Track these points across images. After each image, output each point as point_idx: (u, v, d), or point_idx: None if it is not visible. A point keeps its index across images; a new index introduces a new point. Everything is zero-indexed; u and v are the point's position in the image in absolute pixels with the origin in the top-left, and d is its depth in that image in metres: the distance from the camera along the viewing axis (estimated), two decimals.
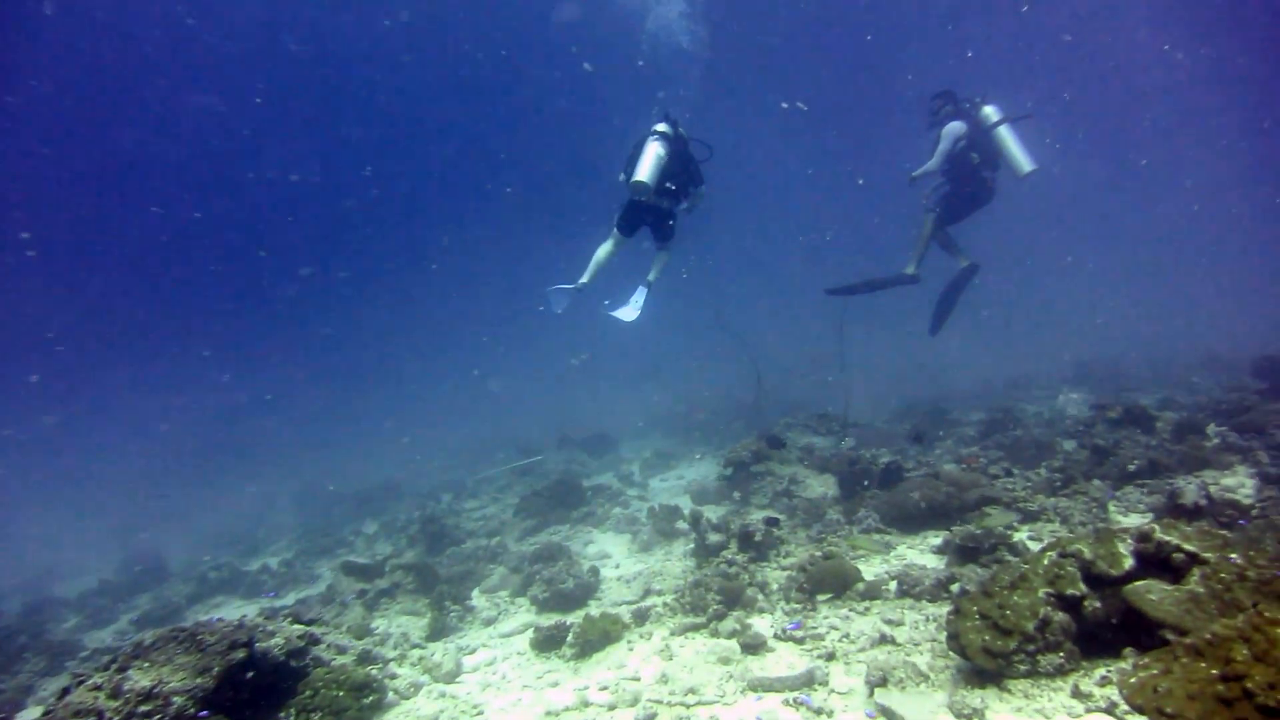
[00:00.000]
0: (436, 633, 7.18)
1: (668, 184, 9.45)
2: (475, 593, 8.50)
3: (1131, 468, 7.78)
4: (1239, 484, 7.39)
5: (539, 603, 7.46)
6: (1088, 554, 4.05)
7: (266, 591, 11.15)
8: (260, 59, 31.40)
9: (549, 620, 6.77)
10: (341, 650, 6.11)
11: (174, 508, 24.23)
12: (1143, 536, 4.02)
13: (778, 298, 53.69)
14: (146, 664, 4.68)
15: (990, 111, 9.94)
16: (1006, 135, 9.79)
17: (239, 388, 45.88)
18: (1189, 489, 5.86)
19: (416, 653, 6.68)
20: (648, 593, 7.25)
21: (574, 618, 6.59)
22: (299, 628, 5.72)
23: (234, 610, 10.36)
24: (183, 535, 19.34)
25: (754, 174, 43.04)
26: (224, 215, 38.53)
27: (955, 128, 10.01)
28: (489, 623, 7.44)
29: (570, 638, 6.10)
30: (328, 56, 32.59)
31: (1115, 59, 36.39)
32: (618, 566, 8.54)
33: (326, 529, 15.05)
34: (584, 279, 10.03)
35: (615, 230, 9.98)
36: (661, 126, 9.46)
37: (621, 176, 9.78)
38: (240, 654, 4.85)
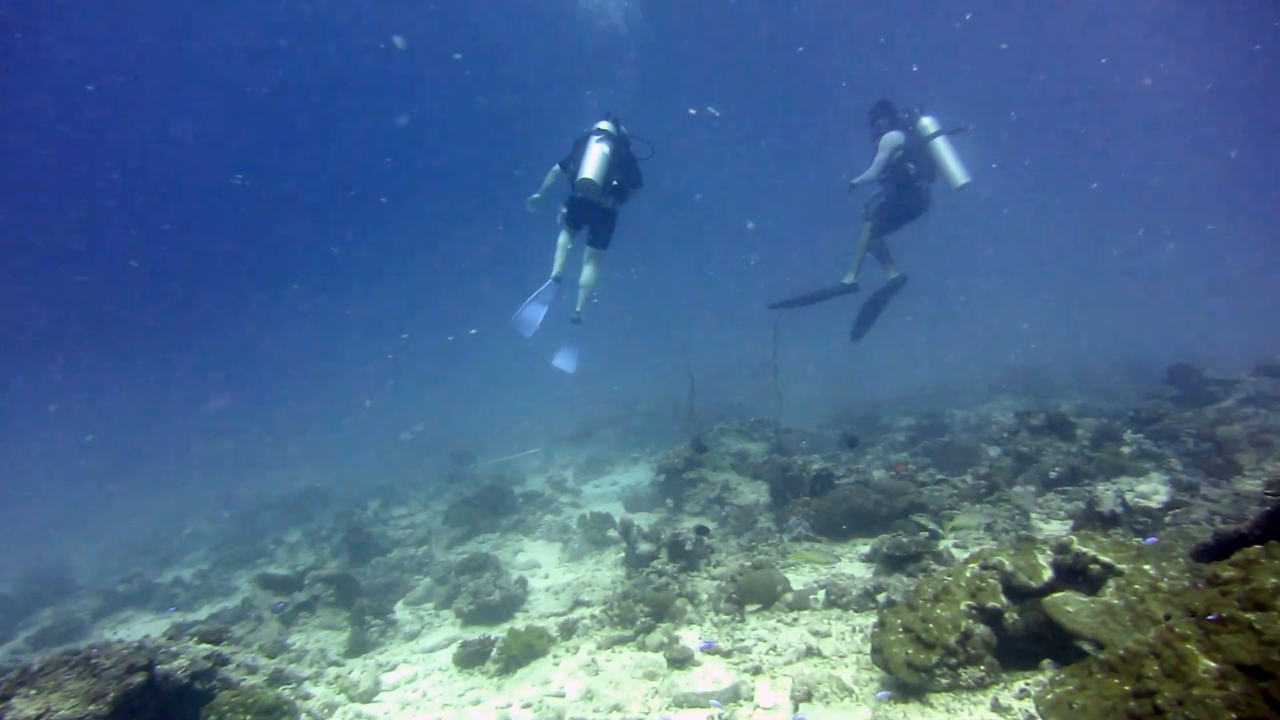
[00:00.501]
0: (356, 648, 6.95)
1: (613, 182, 9.39)
2: (399, 605, 8.28)
3: (1053, 474, 7.99)
4: (1153, 490, 7.62)
5: (464, 616, 7.28)
6: (1009, 566, 4.09)
7: (172, 606, 10.65)
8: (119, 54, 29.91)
9: (474, 634, 6.64)
10: (252, 670, 5.84)
11: (86, 516, 23.15)
12: (1061, 548, 4.08)
13: (716, 303, 54.12)
14: (33, 691, 4.38)
15: (928, 123, 10.03)
16: (943, 148, 9.87)
17: (158, 392, 44.15)
18: (1106, 497, 6.01)
19: (334, 670, 6.45)
20: (576, 604, 7.14)
21: (499, 631, 6.46)
22: (205, 647, 5.46)
23: (143, 626, 9.89)
24: (94, 545, 18.45)
25: (693, 177, 43.20)
26: (143, 212, 37.01)
27: (893, 138, 10.12)
28: (412, 637, 7.23)
29: (494, 653, 5.96)
30: (206, 52, 31.23)
31: (1055, 72, 37.74)
32: (547, 577, 8.40)
33: (247, 538, 14.52)
34: (555, 270, 9.89)
35: (561, 226, 9.89)
36: (605, 125, 9.38)
37: (555, 169, 9.77)
38: (139, 678, 4.59)
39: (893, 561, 6.15)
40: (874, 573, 6.33)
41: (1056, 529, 6.92)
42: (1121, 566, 3.86)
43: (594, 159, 9.11)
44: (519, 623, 6.88)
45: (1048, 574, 4.02)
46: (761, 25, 34.88)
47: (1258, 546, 2.90)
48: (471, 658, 6.03)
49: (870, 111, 10.72)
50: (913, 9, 33.41)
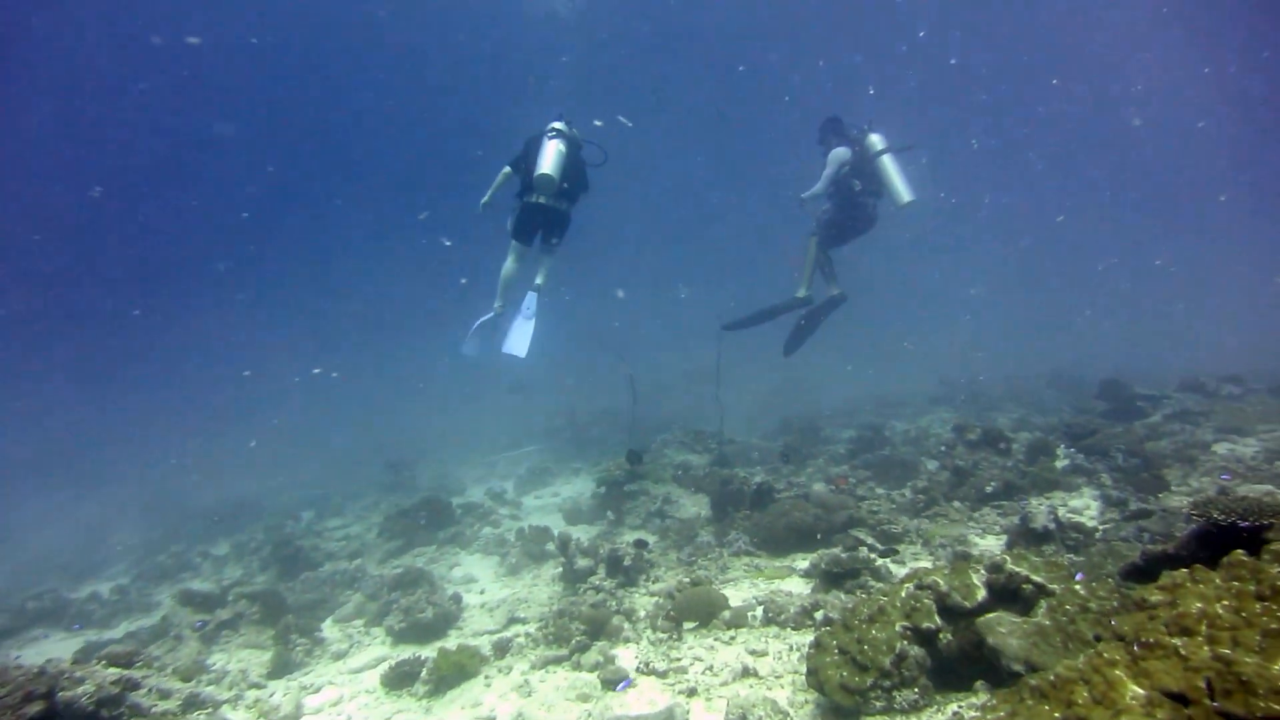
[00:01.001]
0: (279, 669, 6.68)
1: (564, 183, 9.28)
2: (328, 623, 8.01)
3: (989, 489, 8.10)
4: (1085, 505, 7.80)
5: (395, 634, 7.07)
6: (943, 585, 4.09)
7: (76, 624, 10.14)
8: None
9: (404, 653, 6.44)
10: (165, 695, 5.56)
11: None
12: (995, 567, 4.10)
13: (662, 312, 54.21)
14: None
15: (875, 140, 10.05)
16: (889, 165, 9.87)
17: (82, 396, 42.36)
18: (1039, 514, 6.10)
19: (254, 693, 6.18)
20: (511, 621, 7.00)
21: (431, 650, 6.28)
22: (114, 671, 5.17)
23: (53, 646, 9.40)
24: (6, 558, 17.57)
25: (639, 183, 43.26)
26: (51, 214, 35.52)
27: (840, 154, 10.17)
28: (339, 656, 6.99)
29: (424, 673, 5.78)
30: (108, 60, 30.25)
31: (999, 91, 38.86)
32: (483, 592, 8.22)
33: (172, 549, 13.96)
34: (497, 304, 9.75)
35: (512, 241, 9.70)
36: (559, 124, 9.28)
37: (506, 170, 9.58)
38: (37, 707, 4.33)
39: (831, 578, 6.15)
40: (812, 589, 6.32)
41: (992, 544, 7.02)
42: (1053, 587, 3.89)
43: (551, 156, 8.99)
44: (451, 641, 6.71)
45: (981, 594, 4.03)
46: (706, 39, 35.26)
47: (1183, 570, 2.92)
48: (400, 679, 5.85)
49: (820, 128, 10.76)
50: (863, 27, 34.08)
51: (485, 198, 9.78)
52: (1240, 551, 2.87)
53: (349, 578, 9.48)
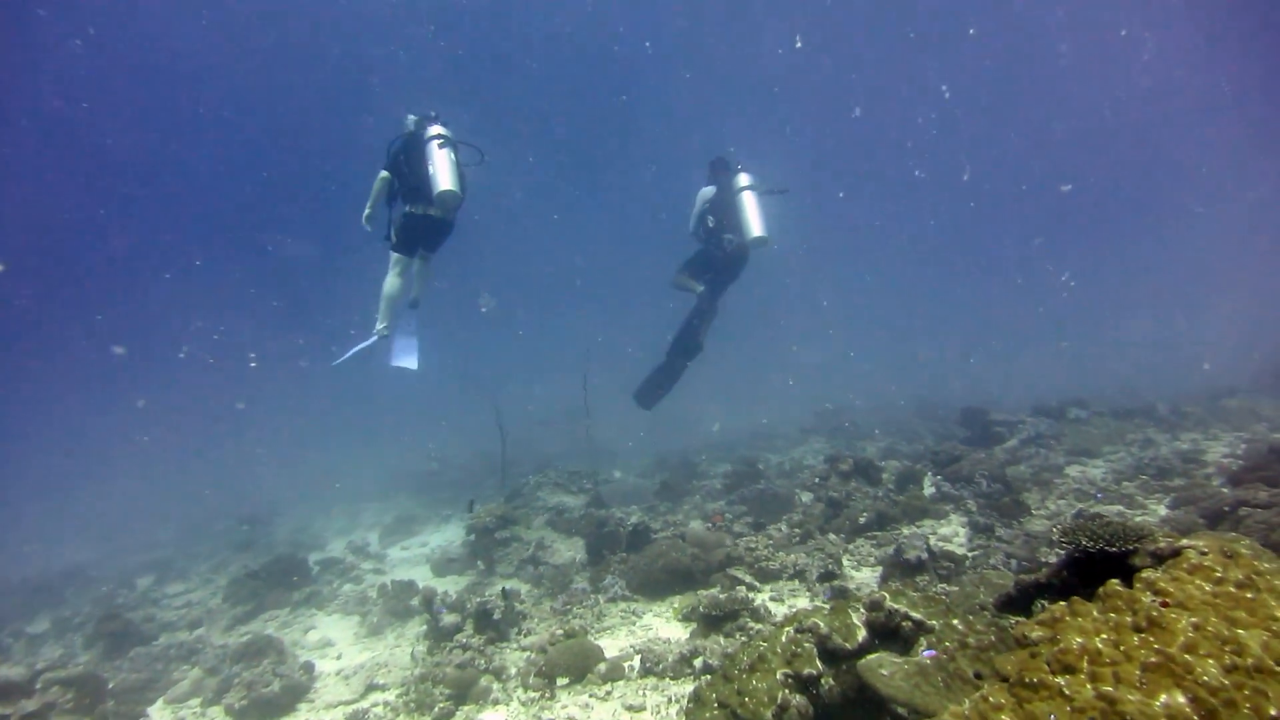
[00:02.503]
0: None
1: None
2: (158, 705, 7.18)
3: (862, 520, 8.19)
4: (953, 532, 7.98)
5: (235, 713, 6.38)
6: (824, 627, 3.96)
7: None
8: None
9: None
10: None
11: None
12: (874, 605, 4.01)
13: (530, 347, 53.84)
14: None
15: (741, 179, 9.99)
16: (746, 201, 9.79)
17: None
18: (911, 545, 6.14)
19: None
20: (369, 689, 6.46)
21: None
22: None
23: None
24: None
25: (508, 217, 42.96)
26: None
27: (704, 193, 10.14)
28: None
29: None
30: None
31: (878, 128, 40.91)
32: (339, 657, 7.59)
33: None
34: (380, 326, 8.88)
35: (397, 256, 8.91)
36: (439, 129, 8.42)
37: (384, 175, 8.75)
38: None
39: (710, 621, 5.97)
40: (691, 634, 6.13)
41: (867, 576, 7.04)
42: (932, 623, 3.83)
43: (447, 168, 8.18)
44: (301, 716, 6.11)
45: (862, 634, 3.92)
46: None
47: (1062, 604, 2.88)
48: None
49: (708, 166, 10.75)
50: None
51: (368, 210, 8.93)
52: (1115, 581, 2.85)
53: (187, 651, 8.57)
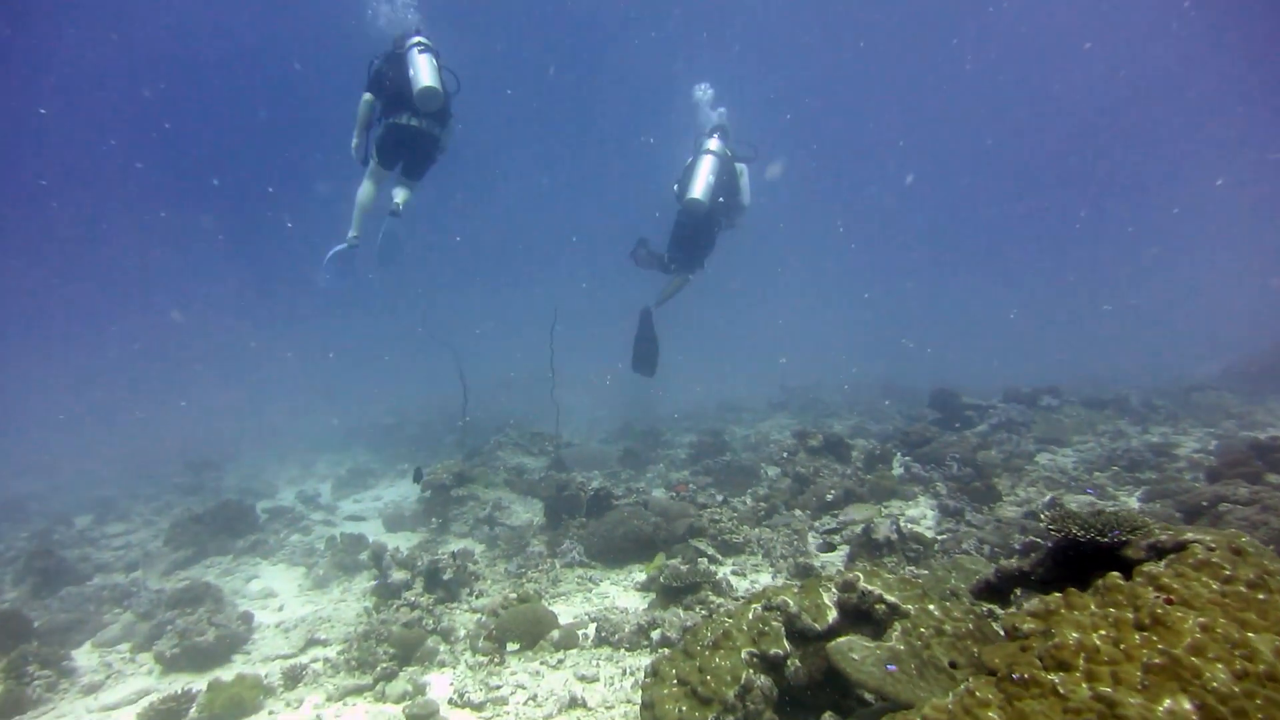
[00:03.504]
0: (7, 709, 5.57)
1: (447, 99, 8.52)
2: (85, 648, 6.86)
3: (829, 497, 8.04)
4: (921, 515, 7.87)
5: (165, 661, 6.07)
6: (793, 606, 3.77)
7: None
8: None
9: (174, 685, 5.52)
10: None
11: None
12: (847, 586, 3.82)
13: (496, 304, 53.25)
14: None
15: (708, 143, 9.86)
16: (701, 164, 9.64)
17: None
18: (881, 526, 5.98)
19: None
20: (310, 644, 6.19)
21: (209, 679, 5.38)
22: None
23: None
24: None
25: (479, 174, 42.15)
26: None
27: (688, 160, 10.01)
28: (91, 690, 5.92)
29: (194, 710, 4.93)
30: None
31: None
32: (281, 609, 7.29)
33: None
34: (352, 233, 8.67)
35: (375, 163, 8.67)
36: (419, 38, 8.32)
37: (366, 98, 8.55)
38: None
39: (670, 592, 5.78)
40: (649, 605, 5.93)
41: (832, 556, 6.90)
42: (907, 607, 3.64)
43: (427, 67, 8.09)
44: (234, 669, 5.83)
45: (833, 615, 3.73)
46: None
47: (1057, 595, 2.69)
48: (162, 717, 4.96)
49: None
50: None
51: (355, 139, 8.73)
52: (1116, 574, 2.66)
53: (121, 593, 8.21)
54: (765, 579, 6.55)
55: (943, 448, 9.20)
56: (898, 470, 9.40)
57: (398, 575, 6.50)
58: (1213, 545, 2.71)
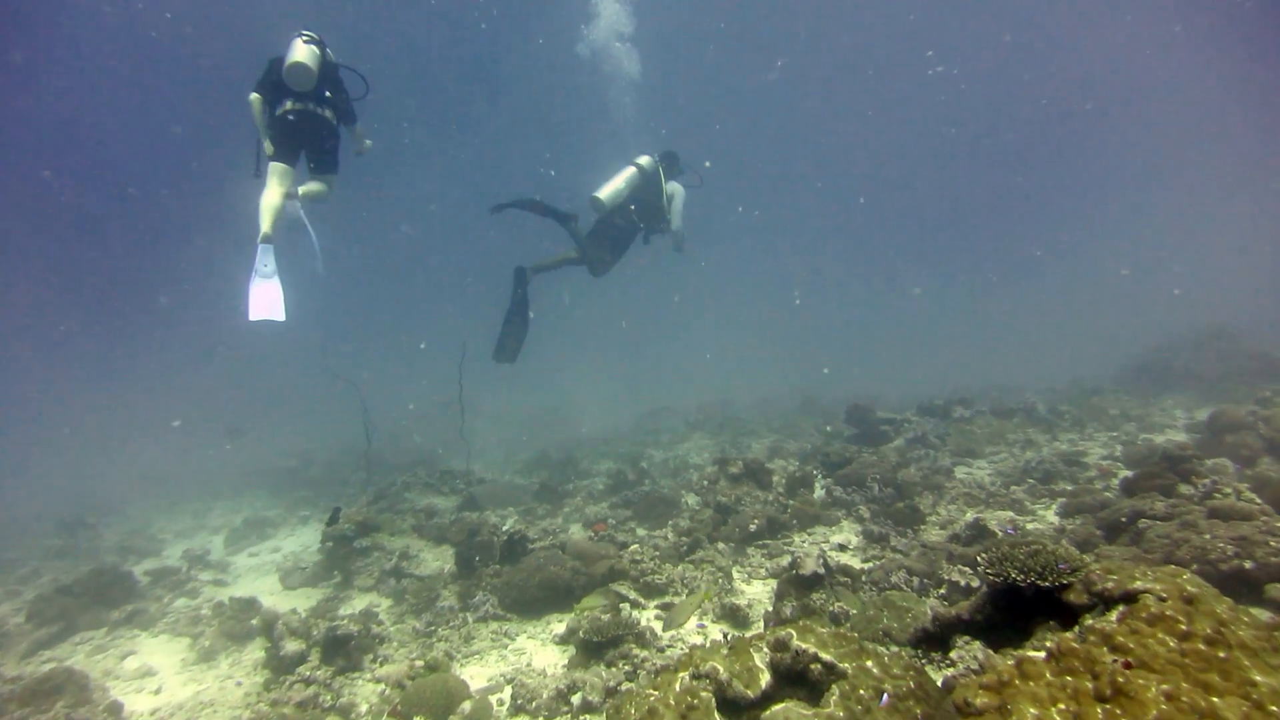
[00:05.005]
0: None
1: (325, 90, 8.18)
2: None
3: (753, 527, 7.85)
4: (847, 540, 7.75)
5: None
6: (723, 673, 3.49)
7: None
8: None
9: None
10: None
11: None
12: (779, 645, 3.56)
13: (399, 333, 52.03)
14: None
15: (638, 157, 10.07)
16: (618, 170, 9.86)
17: None
18: (808, 560, 5.79)
19: None
20: None
21: None
22: None
23: None
24: None
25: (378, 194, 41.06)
26: None
27: None
28: None
29: None
30: None
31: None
32: (158, 691, 6.60)
33: None
34: (265, 229, 7.81)
35: (271, 164, 8.16)
36: (307, 34, 8.16)
37: (254, 97, 8.21)
38: None
39: (590, 647, 5.44)
40: (569, 662, 5.58)
41: (759, 590, 6.69)
42: (844, 665, 3.40)
43: (301, 50, 7.90)
44: None
45: (765, 679, 3.47)
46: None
47: (1010, 664, 2.50)
48: None
49: None
50: None
51: (260, 135, 8.33)
52: (1070, 636, 2.48)
53: None
54: (691, 621, 6.28)
55: (863, 468, 9.14)
56: (819, 493, 9.31)
57: (292, 646, 5.96)
58: (1164, 595, 2.55)
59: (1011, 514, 7.70)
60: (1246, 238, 43.75)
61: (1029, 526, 7.22)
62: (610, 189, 9.61)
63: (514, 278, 9.77)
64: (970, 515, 7.73)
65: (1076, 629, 2.86)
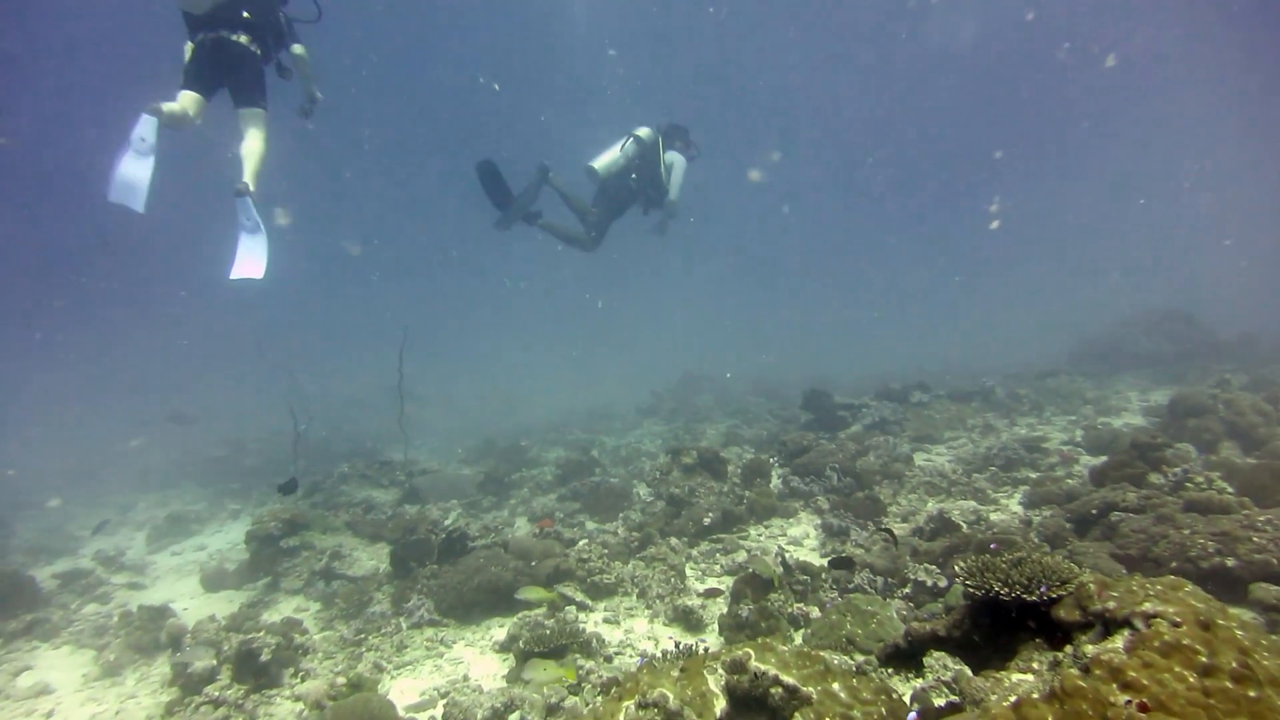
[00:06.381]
0: None
1: (244, 10, 7.22)
2: None
3: (707, 521, 7.52)
4: (804, 534, 7.47)
5: None
6: (673, 701, 3.12)
7: None
8: None
9: None
10: None
11: None
12: (736, 666, 3.21)
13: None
14: None
15: (638, 129, 10.11)
16: (616, 141, 9.96)
17: None
18: (766, 559, 5.47)
19: None
20: None
21: None
22: None
23: None
24: None
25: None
26: None
27: None
28: None
29: None
30: None
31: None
32: (51, 714, 6.02)
33: None
34: (155, 108, 6.82)
35: (181, 91, 7.14)
36: None
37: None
38: None
39: (532, 658, 5.05)
40: (509, 674, 5.19)
41: (714, 586, 6.36)
42: (808, 690, 3.07)
43: None
44: None
45: (721, 705, 3.12)
46: None
47: (1006, 708, 2.15)
48: None
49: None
50: None
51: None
52: (1075, 673, 2.13)
53: None
54: (640, 624, 5.93)
55: (821, 457, 8.87)
56: (776, 484, 9.01)
57: (201, 662, 5.46)
58: (1178, 620, 2.23)
59: (975, 504, 7.48)
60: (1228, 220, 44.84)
61: (993, 516, 6.99)
62: (606, 159, 9.75)
63: (536, 172, 9.91)
64: (933, 506, 7.50)
65: (1070, 651, 2.55)
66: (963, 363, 22.23)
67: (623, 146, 9.83)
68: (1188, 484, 5.71)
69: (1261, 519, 4.59)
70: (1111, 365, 16.45)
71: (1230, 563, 4.34)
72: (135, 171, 6.77)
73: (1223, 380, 9.98)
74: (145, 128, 6.78)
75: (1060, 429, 10.76)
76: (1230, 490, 5.58)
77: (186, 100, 7.14)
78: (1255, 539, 4.40)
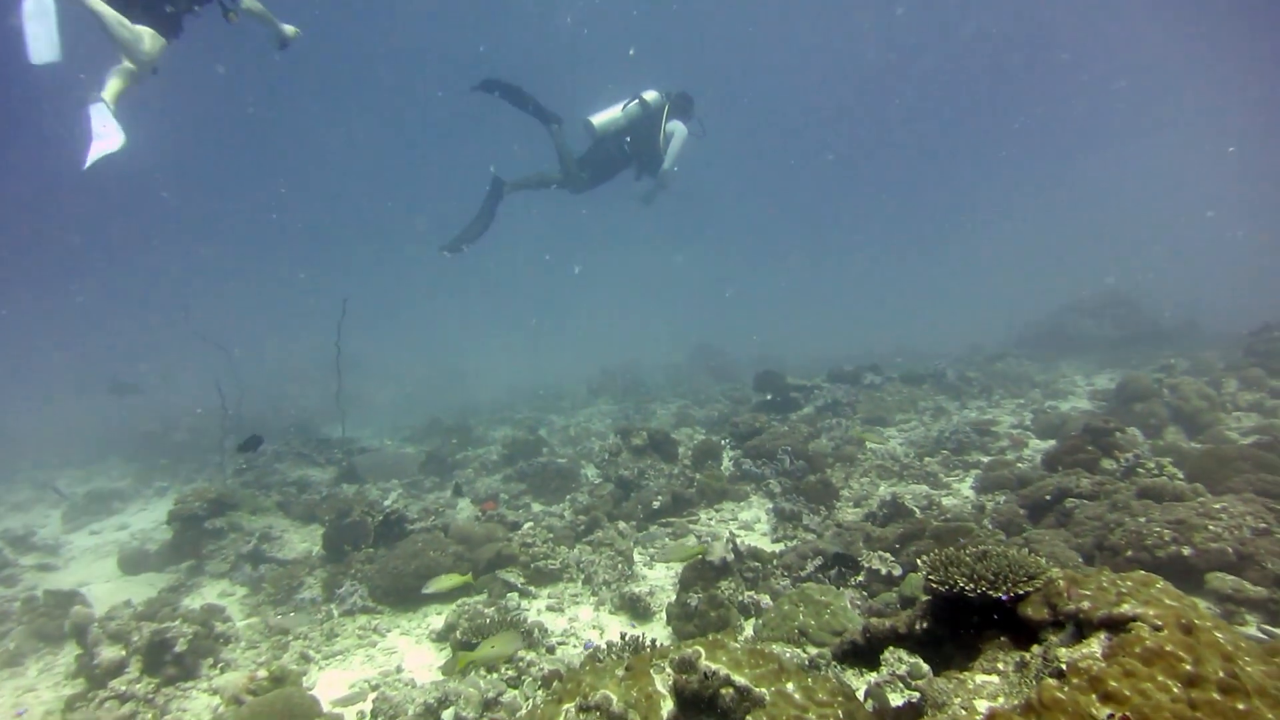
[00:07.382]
0: None
1: None
2: None
3: (656, 504, 7.37)
4: (755, 518, 7.35)
5: None
6: (616, 703, 2.93)
7: None
8: None
9: None
10: None
11: None
12: (684, 665, 3.03)
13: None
14: None
15: (645, 92, 10.07)
16: (618, 102, 9.99)
17: None
18: (716, 546, 5.31)
19: None
20: None
21: None
22: None
23: None
24: None
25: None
26: None
27: None
28: None
29: None
30: None
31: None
32: None
33: None
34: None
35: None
36: None
37: None
38: None
39: (471, 648, 4.82)
40: (445, 666, 4.96)
41: (662, 575, 6.20)
42: (760, 690, 2.90)
43: None
44: None
45: (668, 707, 2.94)
46: None
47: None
48: None
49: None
50: None
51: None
52: (1053, 683, 1.98)
53: None
54: (586, 613, 5.74)
55: (774, 439, 8.75)
56: (727, 466, 8.88)
57: (109, 653, 5.12)
58: (1159, 623, 2.09)
59: (927, 488, 7.43)
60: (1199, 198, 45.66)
61: (945, 501, 6.95)
62: (606, 116, 9.81)
63: (490, 186, 9.85)
64: (885, 490, 7.44)
65: (1039, 653, 2.42)
66: (912, 346, 22.33)
67: (625, 106, 9.83)
68: (1139, 469, 5.71)
69: (1217, 506, 4.56)
70: (1057, 348, 16.68)
71: (1186, 551, 4.30)
72: (40, 25, 6.23)
73: (1167, 365, 10.09)
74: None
75: (1009, 412, 10.81)
76: (1181, 476, 5.59)
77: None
78: (1211, 527, 4.36)
